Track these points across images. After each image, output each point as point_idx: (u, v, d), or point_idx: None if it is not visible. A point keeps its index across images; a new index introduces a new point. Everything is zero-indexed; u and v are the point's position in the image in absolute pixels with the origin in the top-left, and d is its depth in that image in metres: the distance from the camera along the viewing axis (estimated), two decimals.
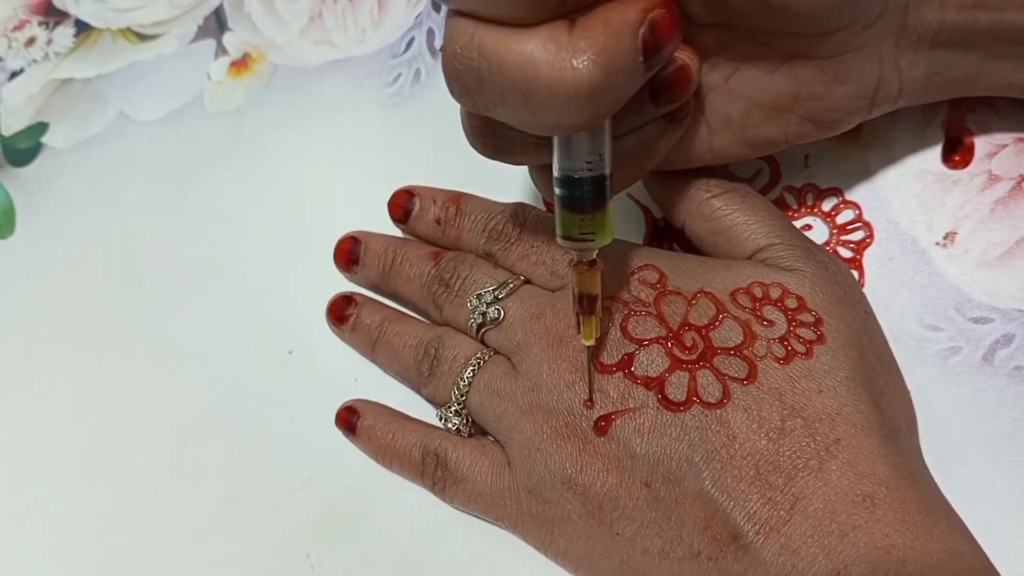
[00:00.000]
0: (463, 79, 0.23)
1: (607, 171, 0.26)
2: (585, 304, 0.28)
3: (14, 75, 0.49)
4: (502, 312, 0.33)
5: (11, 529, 0.39)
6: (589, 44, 0.22)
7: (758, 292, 0.30)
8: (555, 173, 0.26)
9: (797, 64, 0.28)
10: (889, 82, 0.29)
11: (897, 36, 0.28)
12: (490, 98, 0.23)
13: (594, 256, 0.28)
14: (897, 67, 0.29)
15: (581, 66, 0.22)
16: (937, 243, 0.33)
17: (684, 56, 0.26)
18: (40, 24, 0.49)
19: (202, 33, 0.46)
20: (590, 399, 0.29)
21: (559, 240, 0.28)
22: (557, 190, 0.26)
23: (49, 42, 0.49)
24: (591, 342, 0.29)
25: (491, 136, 0.27)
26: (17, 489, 0.40)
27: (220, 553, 0.36)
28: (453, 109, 0.40)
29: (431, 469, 0.33)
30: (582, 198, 0.26)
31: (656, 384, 0.29)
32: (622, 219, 0.37)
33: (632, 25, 0.22)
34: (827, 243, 0.34)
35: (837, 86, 0.28)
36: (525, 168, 0.38)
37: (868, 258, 0.34)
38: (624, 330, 0.30)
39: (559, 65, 0.22)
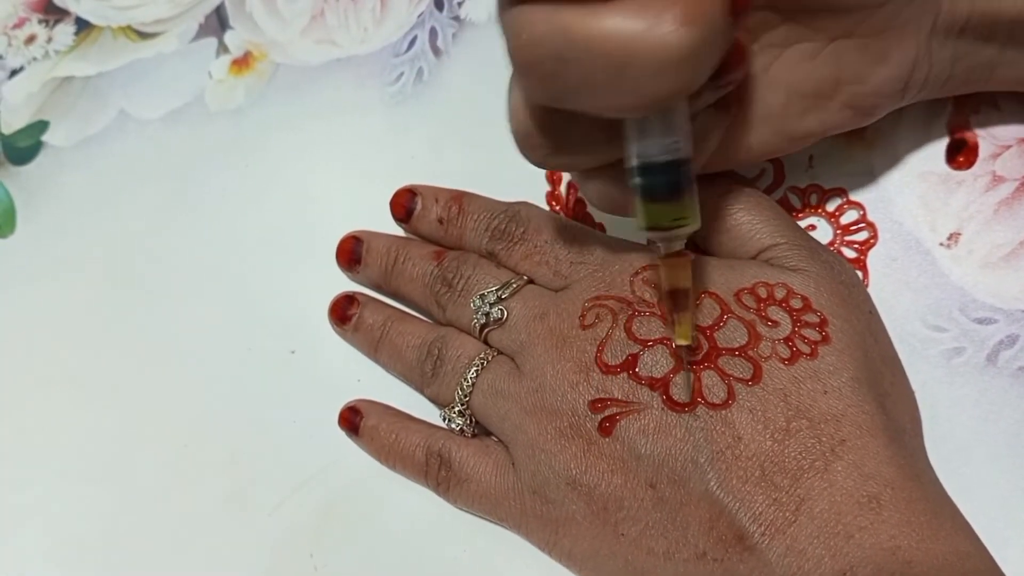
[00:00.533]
0: (542, 67, 0.22)
1: (690, 152, 0.25)
2: (679, 300, 0.27)
3: (14, 73, 0.48)
4: (505, 312, 0.33)
5: (12, 529, 0.39)
6: (681, 7, 0.21)
7: (763, 292, 0.29)
8: (634, 163, 0.25)
9: (839, 45, 0.28)
10: (921, 66, 0.29)
11: (934, 16, 0.28)
12: (575, 83, 0.22)
13: (682, 246, 0.27)
14: (929, 50, 0.29)
15: (677, 31, 0.21)
16: (941, 244, 0.33)
17: (738, 34, 0.25)
18: (40, 22, 0.49)
19: (203, 31, 0.46)
20: (691, 402, 0.28)
21: (646, 234, 0.27)
22: (639, 180, 0.25)
23: (49, 40, 0.49)
24: (688, 341, 0.28)
25: (551, 135, 0.26)
26: (17, 489, 0.39)
27: (222, 553, 0.36)
28: (456, 108, 0.41)
29: (435, 470, 0.33)
30: (668, 184, 0.25)
31: (661, 385, 0.28)
32: (624, 220, 0.36)
33: None
34: (831, 243, 0.34)
35: (879, 67, 0.28)
36: (528, 167, 0.38)
37: (872, 259, 0.33)
38: (628, 330, 0.29)
39: (655, 32, 0.21)
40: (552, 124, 0.26)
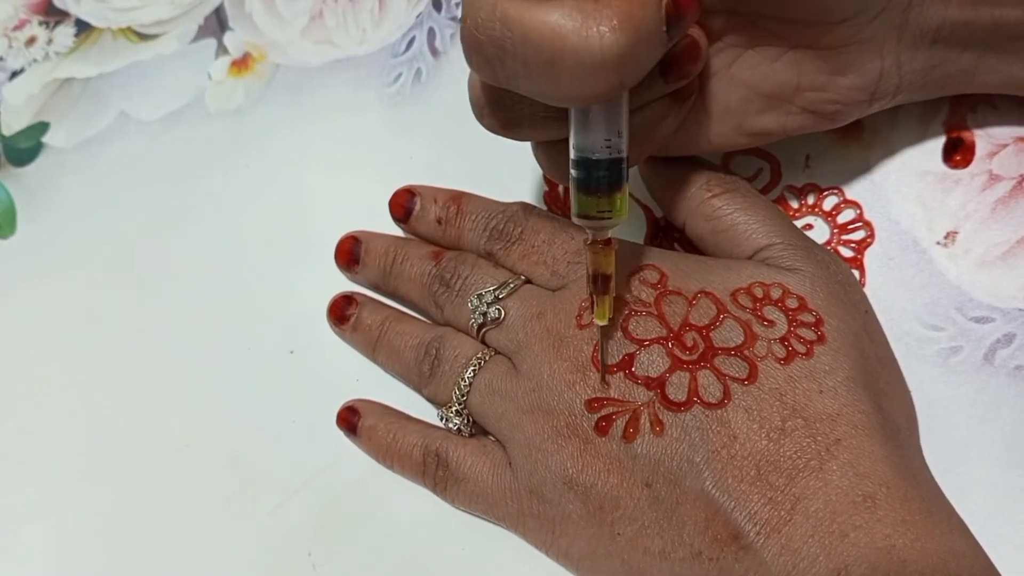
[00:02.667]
0: (484, 50, 0.23)
1: (625, 152, 0.26)
2: (599, 284, 0.29)
3: (15, 75, 0.49)
4: (503, 312, 0.33)
5: (13, 528, 0.39)
6: (615, 12, 0.22)
7: (759, 292, 0.30)
8: (572, 155, 0.26)
9: (800, 53, 0.28)
10: (889, 76, 0.29)
11: (900, 31, 0.28)
12: (512, 69, 0.23)
13: (608, 235, 0.28)
14: (898, 62, 0.29)
15: (607, 34, 0.22)
16: (938, 243, 0.33)
17: (694, 32, 0.26)
18: (40, 24, 0.49)
19: (203, 33, 0.46)
20: (603, 380, 0.29)
21: (575, 219, 0.28)
22: (574, 172, 0.27)
23: (50, 42, 0.49)
24: (604, 322, 0.29)
25: (500, 109, 0.27)
26: (18, 488, 0.40)
27: (222, 552, 0.36)
28: (454, 109, 0.41)
29: (432, 469, 0.33)
30: (599, 179, 0.26)
31: (657, 384, 0.29)
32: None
33: None
34: (828, 243, 0.34)
35: (838, 77, 0.29)
36: (526, 167, 0.38)
37: (869, 258, 0.34)
38: (625, 330, 0.30)
39: (585, 33, 0.22)
40: (501, 100, 0.27)
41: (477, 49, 0.24)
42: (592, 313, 0.29)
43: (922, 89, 0.30)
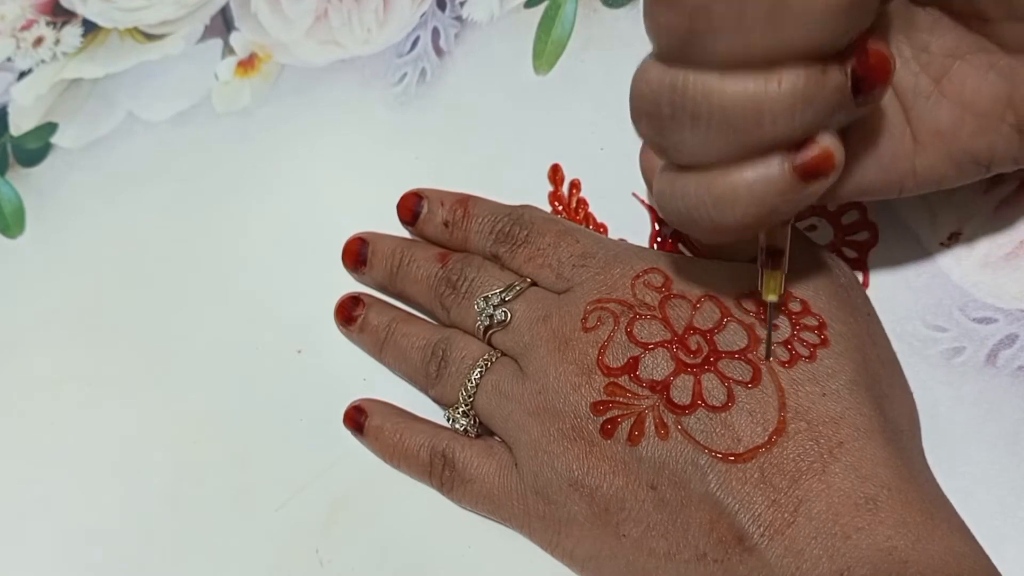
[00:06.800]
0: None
1: None
2: (771, 258, 0.28)
3: (23, 75, 0.49)
4: (509, 314, 0.33)
5: (21, 525, 0.39)
6: None
7: None
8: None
9: (1014, 59, 0.26)
10: None
11: None
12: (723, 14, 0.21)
13: None
14: None
15: None
16: (941, 243, 0.33)
17: (876, 45, 0.23)
18: (48, 24, 0.50)
19: (209, 33, 0.46)
20: (767, 357, 0.29)
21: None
22: None
23: (57, 42, 0.49)
24: (773, 297, 0.28)
25: None
26: (26, 486, 0.40)
27: (230, 547, 0.37)
28: (459, 109, 0.41)
29: (439, 469, 0.34)
30: None
31: (662, 387, 0.29)
32: (627, 219, 0.37)
33: None
34: (831, 244, 0.34)
35: None
36: (528, 167, 0.38)
37: (872, 259, 0.34)
38: (629, 334, 0.30)
39: None
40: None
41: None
42: (760, 288, 0.29)
43: None
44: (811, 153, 0.23)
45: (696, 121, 0.23)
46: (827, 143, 0.23)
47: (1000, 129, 0.27)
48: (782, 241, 0.28)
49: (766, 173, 0.23)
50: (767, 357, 0.29)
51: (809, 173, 0.23)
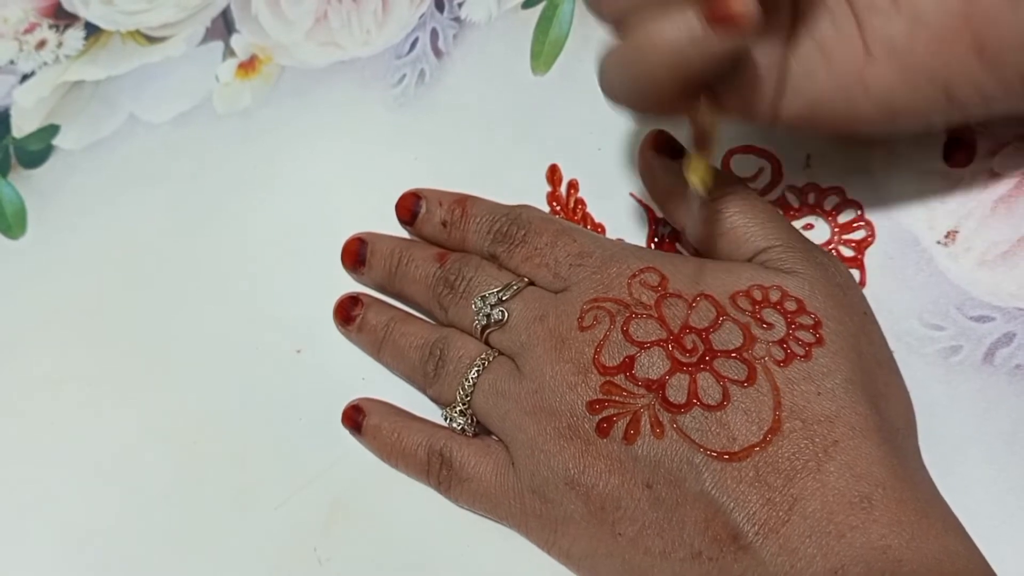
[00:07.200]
0: None
1: None
2: (697, 142, 0.29)
3: (25, 78, 0.49)
4: (506, 314, 0.33)
5: (20, 525, 0.40)
6: None
7: (758, 295, 0.30)
8: None
9: None
10: None
11: None
12: None
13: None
14: None
15: None
16: (938, 242, 0.33)
17: None
18: (50, 27, 0.50)
19: (210, 35, 0.47)
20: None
21: None
22: None
23: (60, 45, 0.49)
24: (697, 182, 0.29)
25: None
26: (26, 486, 0.40)
27: (229, 546, 0.37)
28: (458, 110, 0.41)
29: (436, 469, 0.34)
30: None
31: (657, 386, 0.29)
32: (624, 219, 0.37)
33: None
34: (829, 242, 0.34)
35: (1012, 11, 0.26)
36: (527, 168, 0.38)
37: (869, 257, 0.34)
38: (625, 333, 0.30)
39: None
40: None
41: None
42: (686, 174, 0.29)
43: None
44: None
45: None
46: None
47: (956, 49, 0.27)
48: (708, 125, 0.28)
49: (680, 20, 0.25)
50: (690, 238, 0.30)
51: (717, 18, 0.25)
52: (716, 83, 0.28)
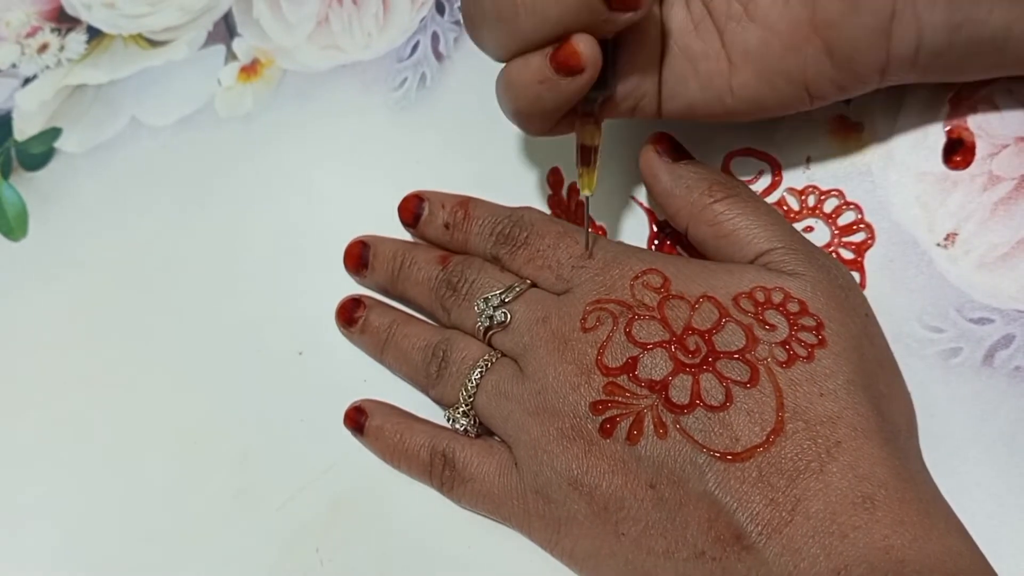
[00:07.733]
0: None
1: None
2: (581, 154, 0.32)
3: (27, 81, 0.49)
4: (509, 315, 0.33)
5: (23, 525, 0.40)
6: None
7: (760, 296, 0.30)
8: None
9: None
10: (904, 20, 0.28)
11: None
12: None
13: (595, 108, 0.31)
14: (914, 5, 0.28)
15: None
16: (938, 244, 0.33)
17: None
18: (53, 31, 0.50)
19: (212, 39, 0.47)
20: (588, 251, 0.33)
21: None
22: None
23: (62, 48, 0.49)
24: (588, 192, 0.32)
25: None
26: (28, 486, 0.40)
27: (230, 547, 0.37)
28: (459, 113, 0.41)
29: (439, 469, 0.34)
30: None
31: (660, 387, 0.29)
32: (625, 222, 0.37)
33: None
34: (828, 245, 0.34)
35: (851, 15, 0.29)
36: (528, 170, 0.39)
37: (869, 259, 0.34)
38: (628, 334, 0.30)
39: None
40: None
41: None
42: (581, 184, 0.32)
43: (943, 56, 0.29)
44: (562, 49, 0.28)
45: (484, 18, 0.29)
46: (579, 43, 0.27)
47: (808, 51, 0.30)
48: (589, 140, 0.32)
49: (530, 62, 0.28)
50: (587, 248, 0.33)
51: (560, 65, 0.28)
52: (590, 104, 0.31)
